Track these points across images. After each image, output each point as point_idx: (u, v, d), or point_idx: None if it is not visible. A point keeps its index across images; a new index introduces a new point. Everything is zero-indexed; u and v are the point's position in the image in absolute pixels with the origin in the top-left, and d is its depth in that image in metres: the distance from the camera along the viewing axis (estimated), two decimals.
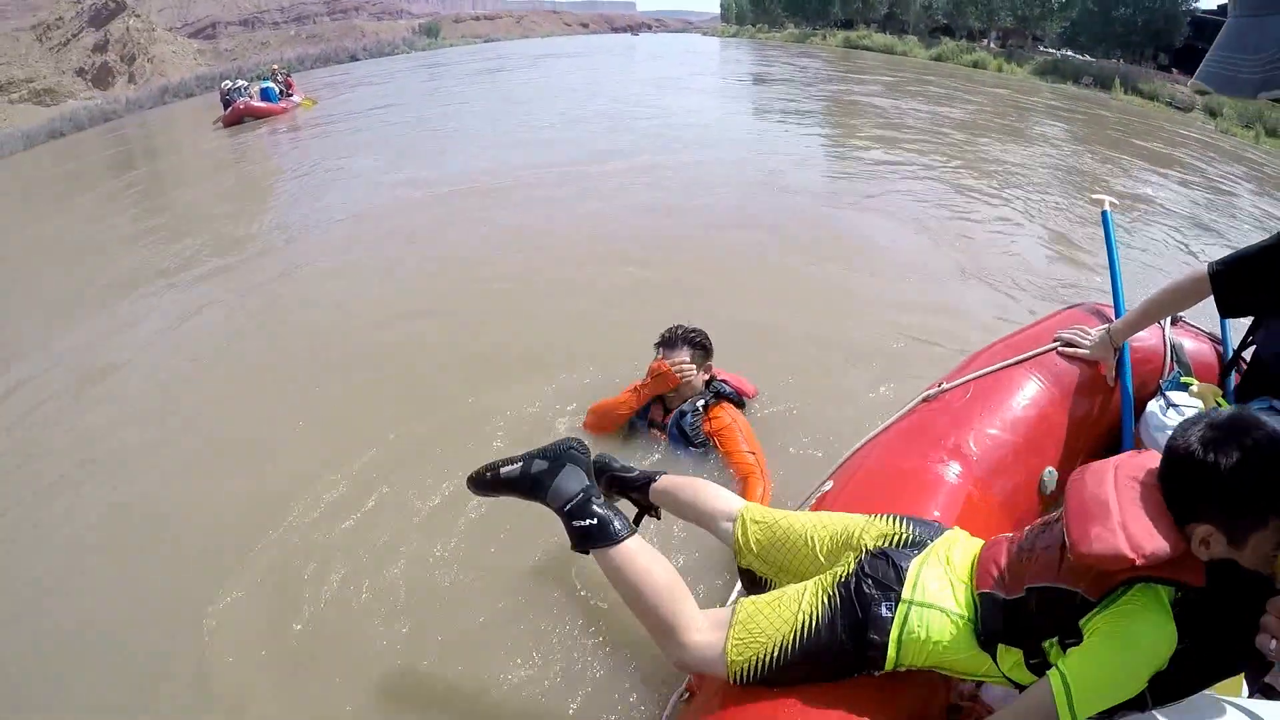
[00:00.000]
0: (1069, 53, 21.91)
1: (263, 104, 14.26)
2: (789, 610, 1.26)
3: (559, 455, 1.54)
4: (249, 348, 3.82)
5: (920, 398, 1.88)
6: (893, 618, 1.20)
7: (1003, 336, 2.04)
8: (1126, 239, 4.79)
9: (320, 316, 4.08)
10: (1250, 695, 1.08)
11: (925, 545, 1.30)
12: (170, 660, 1.86)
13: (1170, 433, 1.65)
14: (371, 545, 2.13)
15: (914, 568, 1.25)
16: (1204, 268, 1.60)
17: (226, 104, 14.45)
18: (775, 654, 1.21)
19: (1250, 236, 4.35)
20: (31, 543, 2.50)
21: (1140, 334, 1.84)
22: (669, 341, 2.40)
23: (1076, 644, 1.07)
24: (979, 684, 1.36)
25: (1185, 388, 1.76)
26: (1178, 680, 1.01)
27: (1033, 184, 6.43)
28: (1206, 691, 1.02)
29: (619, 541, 1.40)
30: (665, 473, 1.71)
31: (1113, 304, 1.96)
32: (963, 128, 9.68)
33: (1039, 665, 1.12)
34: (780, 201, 5.85)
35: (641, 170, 6.81)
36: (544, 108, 11.98)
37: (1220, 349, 1.94)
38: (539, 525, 1.89)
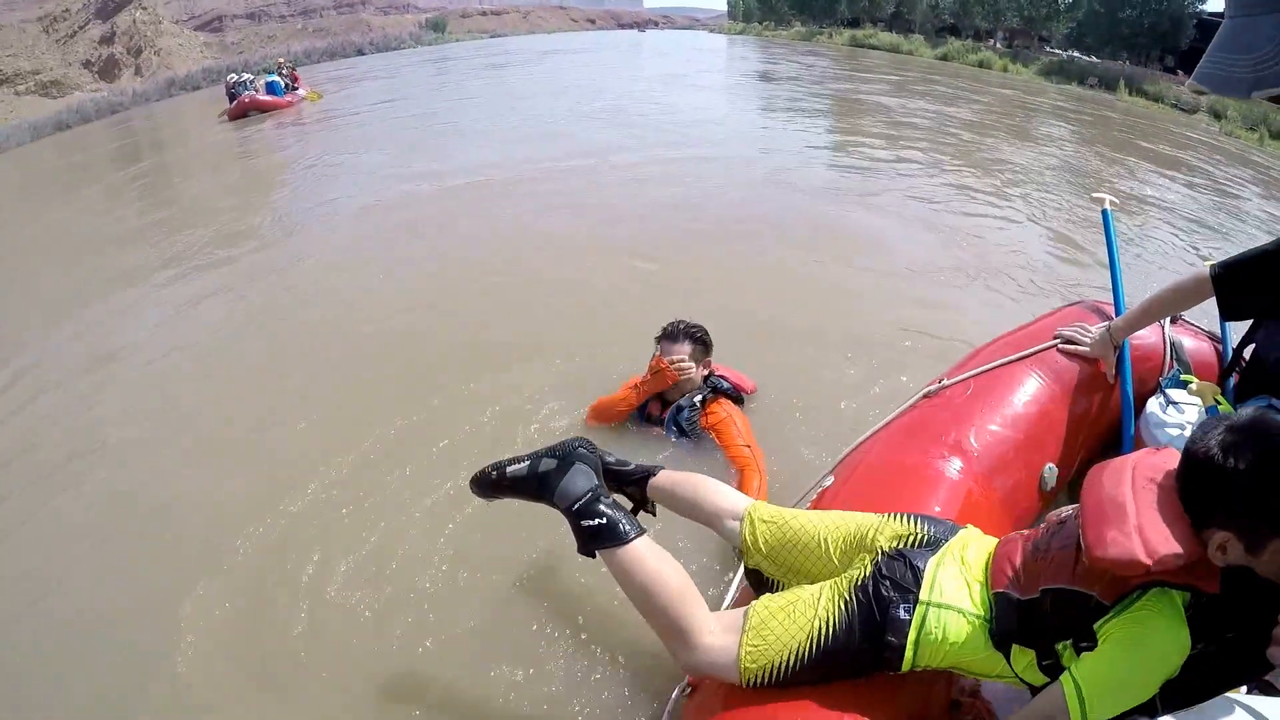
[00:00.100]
0: (1075, 54, 21.81)
1: (268, 98, 14.28)
2: (804, 616, 1.23)
3: (567, 454, 1.52)
4: (250, 342, 3.83)
5: (921, 394, 1.89)
6: (910, 620, 1.18)
7: (1003, 333, 2.05)
8: (1131, 240, 4.78)
9: (323, 310, 4.08)
10: (1248, 692, 1.08)
11: (940, 544, 1.29)
12: (165, 657, 1.85)
13: (1170, 430, 1.68)
14: (371, 543, 2.13)
15: (930, 568, 1.24)
16: (1206, 269, 1.61)
17: (232, 97, 14.51)
18: (791, 661, 1.19)
19: (1255, 239, 4.35)
20: (28, 536, 2.49)
21: (1140, 332, 1.85)
22: (670, 335, 2.41)
23: (1090, 647, 1.06)
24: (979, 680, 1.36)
25: (1185, 386, 1.77)
26: (1188, 686, 1.01)
27: (1037, 184, 6.40)
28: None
29: (628, 542, 1.37)
30: (663, 467, 1.67)
31: (1113, 302, 1.98)
32: (968, 127, 9.65)
33: (1052, 667, 1.12)
34: (783, 198, 5.83)
35: (646, 166, 6.80)
36: (550, 103, 11.93)
37: (1220, 348, 1.95)
38: (538, 524, 1.90)
